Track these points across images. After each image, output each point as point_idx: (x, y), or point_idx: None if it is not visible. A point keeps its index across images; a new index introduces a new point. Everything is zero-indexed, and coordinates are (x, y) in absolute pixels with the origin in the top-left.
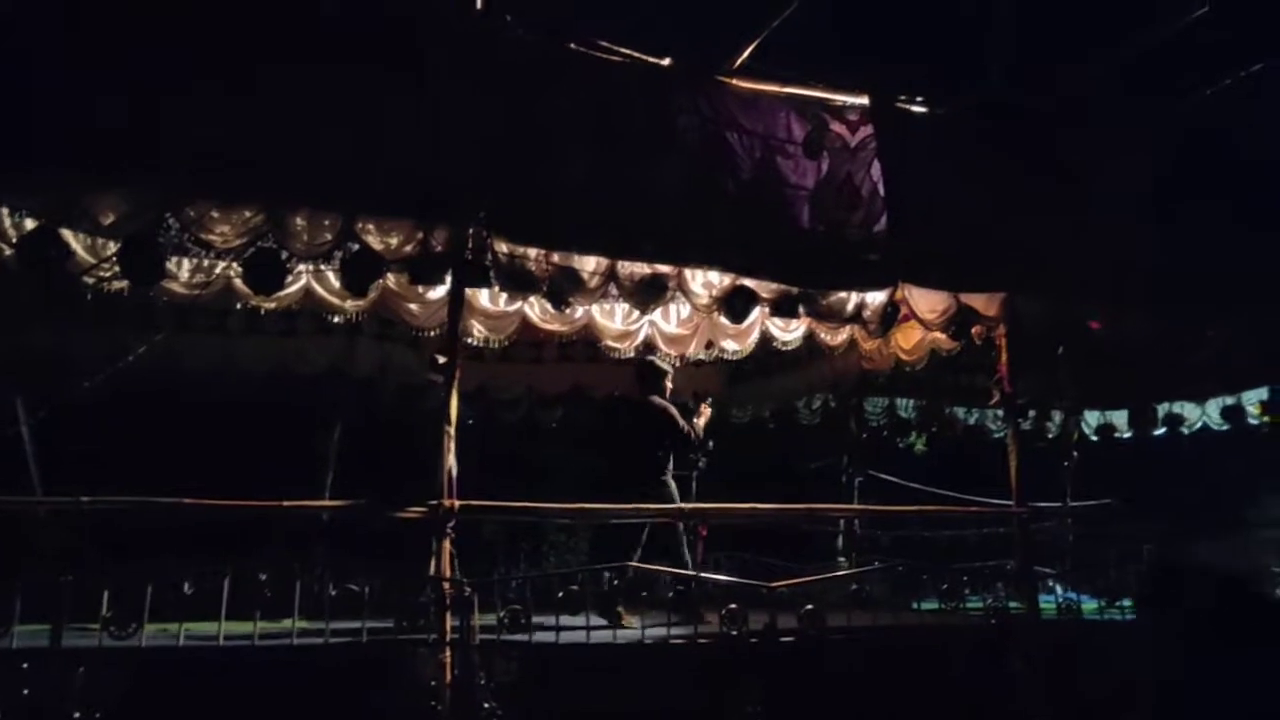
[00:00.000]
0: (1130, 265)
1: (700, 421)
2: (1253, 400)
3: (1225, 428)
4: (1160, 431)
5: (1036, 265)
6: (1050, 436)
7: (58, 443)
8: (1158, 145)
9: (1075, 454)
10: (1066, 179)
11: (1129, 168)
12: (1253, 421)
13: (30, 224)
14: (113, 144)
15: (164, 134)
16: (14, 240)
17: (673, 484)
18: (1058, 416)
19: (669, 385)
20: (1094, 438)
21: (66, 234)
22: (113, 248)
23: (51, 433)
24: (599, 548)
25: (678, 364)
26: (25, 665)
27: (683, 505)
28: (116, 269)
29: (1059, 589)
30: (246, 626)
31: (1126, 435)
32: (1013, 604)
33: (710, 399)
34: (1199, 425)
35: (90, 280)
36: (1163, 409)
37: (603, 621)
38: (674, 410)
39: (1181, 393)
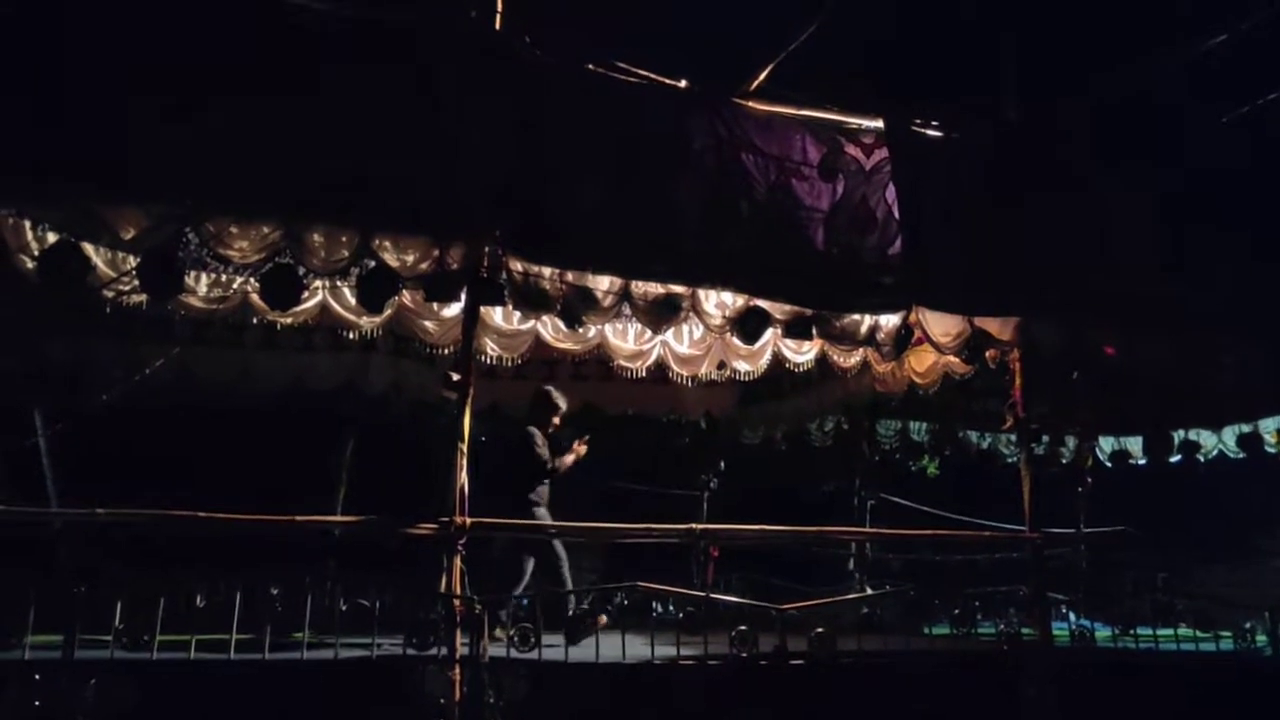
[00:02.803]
0: (1146, 290)
1: (568, 459)
2: (1270, 428)
3: (1241, 456)
4: (1176, 459)
5: (1051, 290)
6: (1064, 462)
7: (74, 455)
8: (1174, 170)
9: (1089, 480)
10: (1082, 203)
11: (1145, 192)
12: (1270, 450)
13: (52, 237)
14: (133, 158)
15: (184, 149)
16: (36, 253)
17: (539, 510)
18: (1072, 442)
19: (557, 420)
20: (1108, 464)
21: (88, 248)
22: (132, 262)
23: (68, 445)
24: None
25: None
26: (38, 676)
27: (694, 526)
28: (136, 282)
29: (1072, 616)
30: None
31: (1141, 462)
32: (1025, 630)
33: (588, 437)
34: (1215, 453)
35: (110, 293)
36: (1178, 436)
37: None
38: (539, 440)
39: (1197, 420)
